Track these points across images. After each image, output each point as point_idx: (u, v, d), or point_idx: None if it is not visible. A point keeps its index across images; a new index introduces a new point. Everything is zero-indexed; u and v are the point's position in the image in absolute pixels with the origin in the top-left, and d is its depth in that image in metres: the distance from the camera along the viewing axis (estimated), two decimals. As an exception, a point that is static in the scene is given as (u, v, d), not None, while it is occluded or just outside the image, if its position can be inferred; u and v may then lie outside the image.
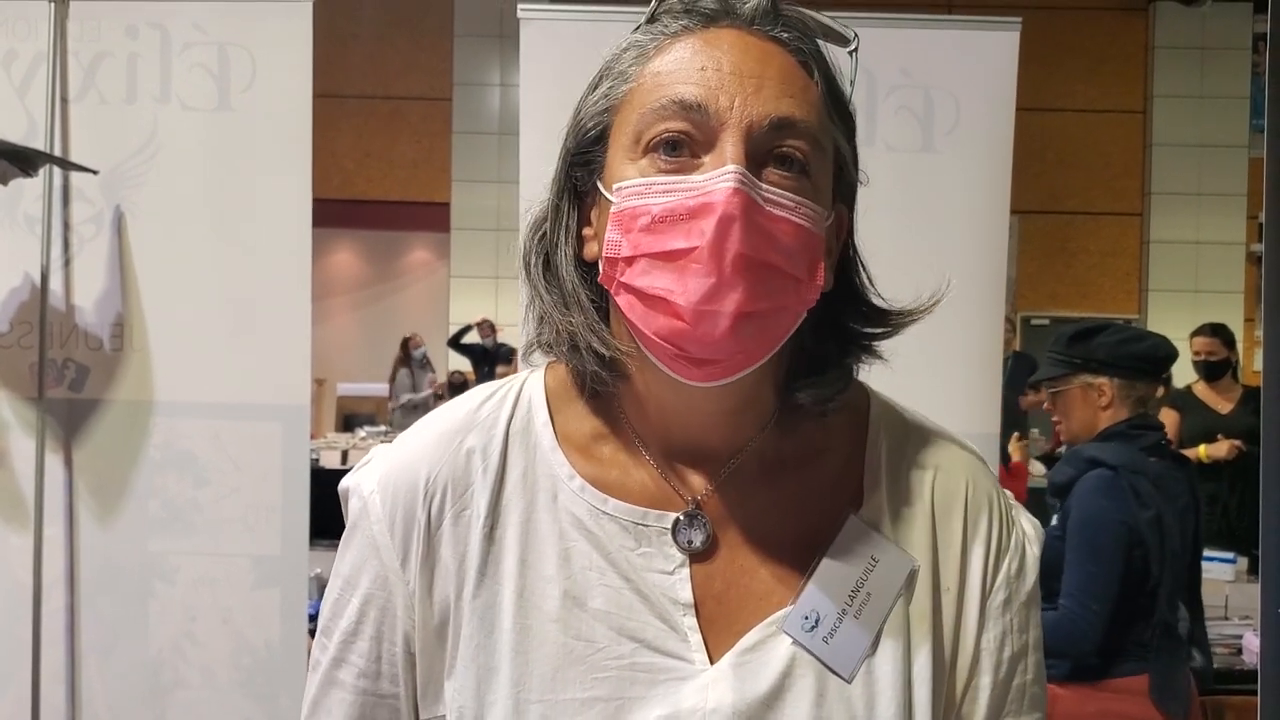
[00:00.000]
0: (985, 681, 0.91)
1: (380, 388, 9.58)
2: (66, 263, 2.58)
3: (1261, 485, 1.22)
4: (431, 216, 9.97)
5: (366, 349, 11.00)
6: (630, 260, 0.83)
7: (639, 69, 0.86)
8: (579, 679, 0.86)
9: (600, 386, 0.91)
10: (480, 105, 9.92)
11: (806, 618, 0.87)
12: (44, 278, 2.55)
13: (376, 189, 10.11)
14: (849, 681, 0.86)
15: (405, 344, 9.62)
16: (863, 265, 0.95)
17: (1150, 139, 9.50)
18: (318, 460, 6.02)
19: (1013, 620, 0.93)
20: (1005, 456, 4.54)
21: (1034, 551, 0.96)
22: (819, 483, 0.92)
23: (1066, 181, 9.38)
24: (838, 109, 0.89)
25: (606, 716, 0.85)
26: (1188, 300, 9.11)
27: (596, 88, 0.89)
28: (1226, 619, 3.64)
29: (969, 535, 0.92)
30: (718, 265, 0.79)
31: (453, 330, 9.36)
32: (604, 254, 0.84)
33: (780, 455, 0.92)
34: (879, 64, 2.44)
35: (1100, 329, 2.87)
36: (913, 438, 0.96)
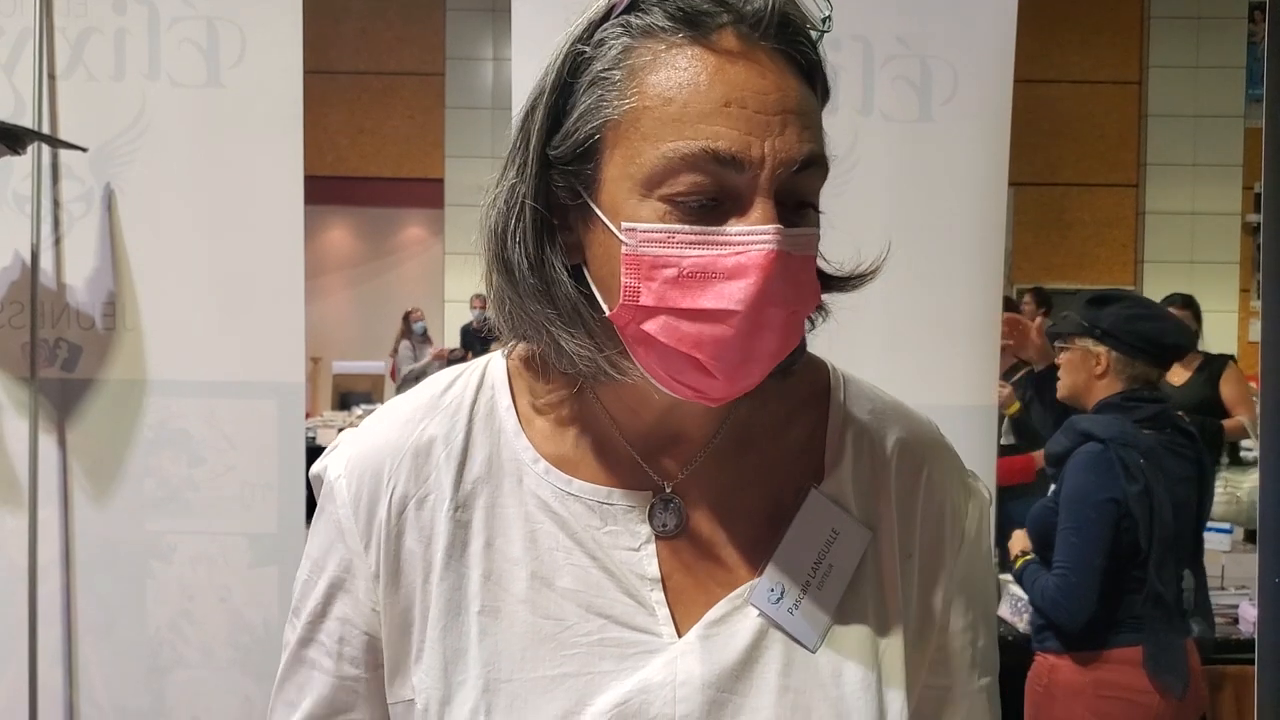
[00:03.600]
0: (950, 646, 0.94)
1: (377, 365, 9.58)
2: (57, 241, 2.56)
3: (1261, 454, 1.22)
4: (425, 192, 9.95)
5: (362, 326, 10.99)
6: (650, 311, 0.80)
7: (636, 82, 0.80)
8: (548, 656, 0.86)
9: (593, 381, 0.89)
10: (473, 80, 9.88)
11: (772, 590, 0.88)
12: (34, 257, 2.53)
13: (369, 165, 10.08)
14: (814, 651, 0.88)
15: (406, 317, 9.65)
16: None
17: (1146, 109, 9.48)
18: (314, 438, 6.02)
19: (973, 586, 0.95)
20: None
21: (987, 519, 0.98)
22: (783, 458, 0.93)
23: (1062, 153, 9.37)
24: (824, 103, 0.87)
25: (576, 692, 0.86)
26: (1183, 271, 9.12)
27: (576, 89, 0.83)
28: (1223, 589, 3.65)
29: (927, 505, 0.94)
30: (757, 330, 0.78)
31: (447, 308, 9.35)
32: (621, 299, 0.80)
33: (747, 432, 0.93)
34: (876, 33, 2.42)
35: (1118, 299, 2.86)
36: (872, 411, 0.97)
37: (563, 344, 0.86)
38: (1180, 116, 9.35)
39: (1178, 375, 4.99)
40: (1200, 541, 2.93)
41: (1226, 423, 4.88)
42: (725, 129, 0.77)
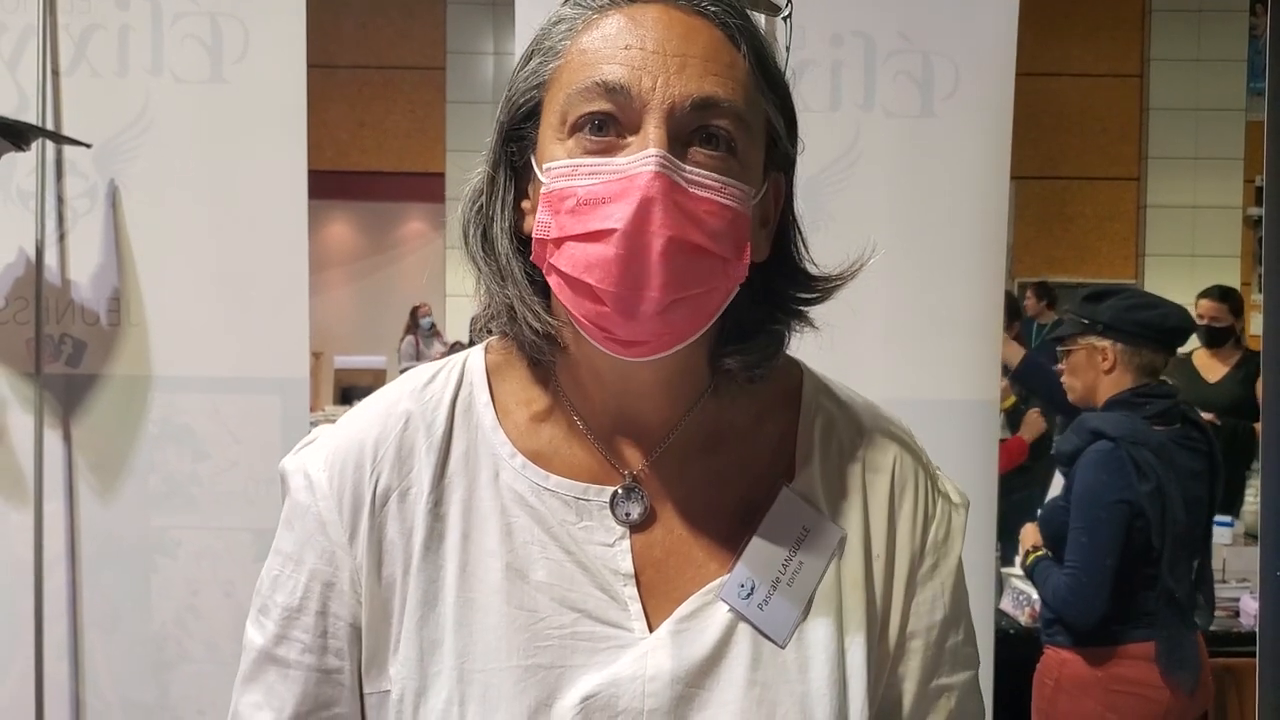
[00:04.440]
0: (917, 645, 0.95)
1: (378, 360, 9.58)
2: (61, 237, 2.56)
3: (1262, 449, 1.22)
4: (426, 187, 9.94)
5: (363, 321, 10.99)
6: (558, 242, 0.84)
7: (568, 44, 0.86)
8: (521, 647, 0.88)
9: (539, 356, 0.92)
10: (474, 74, 9.88)
11: (742, 585, 0.90)
12: (39, 253, 2.53)
13: (370, 160, 10.08)
14: (782, 647, 0.89)
15: (414, 313, 9.65)
16: (799, 233, 0.95)
17: (1147, 103, 9.47)
18: (316, 433, 6.01)
19: (942, 585, 0.96)
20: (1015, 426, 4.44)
21: (959, 520, 0.99)
22: (754, 456, 0.95)
23: (1063, 146, 9.36)
24: (769, 81, 0.88)
25: (548, 684, 0.87)
26: (1184, 265, 9.12)
27: (528, 62, 0.90)
28: (1224, 582, 3.66)
29: (896, 505, 0.96)
30: (637, 249, 0.80)
31: (449, 302, 9.35)
32: (535, 234, 0.86)
33: (717, 428, 0.94)
34: (877, 28, 2.42)
35: (1115, 292, 2.87)
36: (844, 412, 0.98)
37: (497, 299, 0.90)
38: (1181, 110, 9.34)
39: (1213, 371, 4.81)
40: (1209, 531, 2.93)
41: None
42: (619, 66, 0.83)
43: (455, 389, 0.95)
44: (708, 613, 0.89)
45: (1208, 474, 2.78)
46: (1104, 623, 2.65)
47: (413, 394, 0.95)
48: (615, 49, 0.84)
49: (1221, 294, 5.01)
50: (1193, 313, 4.88)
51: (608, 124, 0.83)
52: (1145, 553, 2.64)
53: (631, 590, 0.89)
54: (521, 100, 0.89)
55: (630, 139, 0.83)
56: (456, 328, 9.48)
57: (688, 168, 0.82)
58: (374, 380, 9.14)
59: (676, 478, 0.92)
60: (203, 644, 2.55)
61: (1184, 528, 2.65)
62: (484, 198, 0.92)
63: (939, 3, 2.47)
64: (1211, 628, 3.33)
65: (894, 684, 0.94)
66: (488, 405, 0.94)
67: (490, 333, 0.95)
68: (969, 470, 2.17)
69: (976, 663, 0.99)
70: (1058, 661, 2.74)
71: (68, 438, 2.57)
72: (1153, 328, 2.77)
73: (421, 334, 9.61)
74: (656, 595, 0.90)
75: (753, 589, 0.90)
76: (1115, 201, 9.57)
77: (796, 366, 1.00)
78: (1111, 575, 2.62)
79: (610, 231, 0.80)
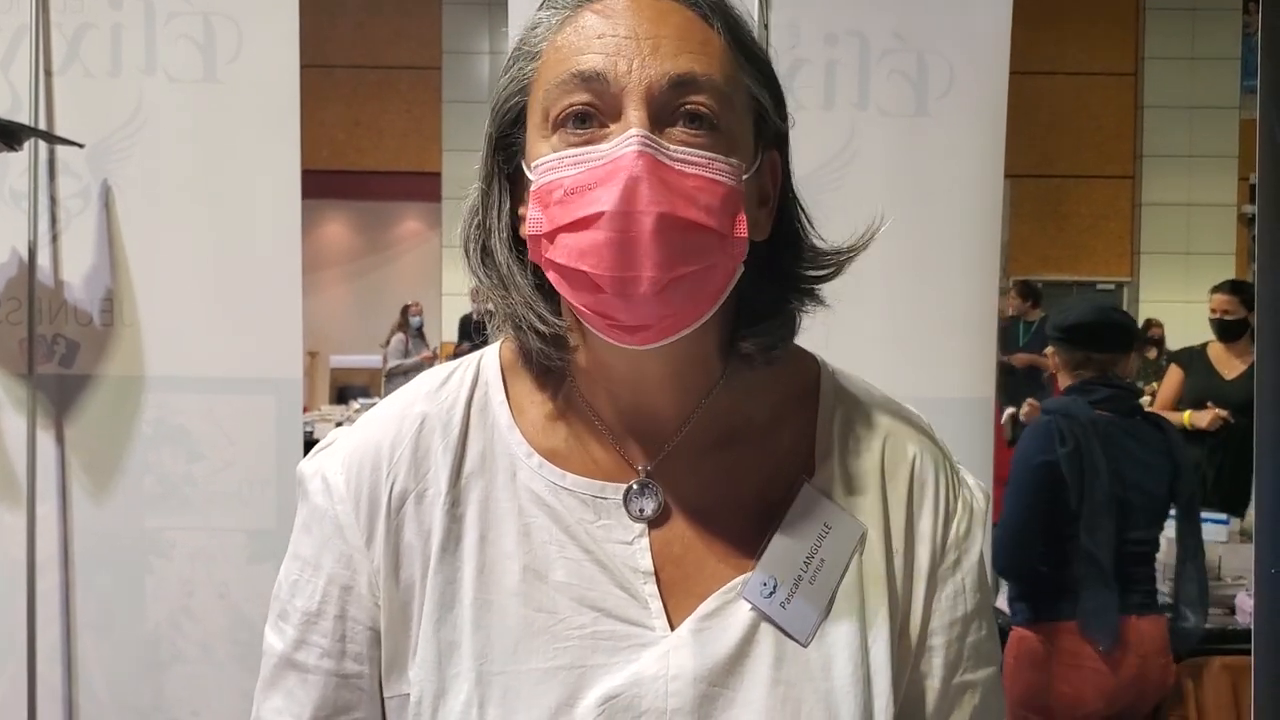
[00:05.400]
0: (939, 641, 0.94)
1: (374, 359, 9.58)
2: (54, 238, 2.55)
3: (1256, 444, 1.21)
4: (422, 186, 9.95)
5: (359, 321, 10.98)
6: (550, 236, 0.83)
7: (544, 45, 0.87)
8: (541, 649, 0.87)
9: (548, 362, 0.91)
10: (470, 73, 9.88)
11: (764, 584, 0.89)
12: (31, 253, 2.53)
13: (366, 159, 10.08)
14: (805, 646, 0.88)
15: (405, 311, 9.63)
16: (802, 209, 0.94)
17: (1142, 101, 9.49)
18: (312, 433, 6.02)
19: (964, 580, 0.95)
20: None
21: (980, 515, 0.98)
22: (772, 452, 0.93)
23: (1058, 145, 9.38)
24: (748, 57, 0.88)
25: (569, 685, 0.86)
26: (1179, 262, 9.14)
27: (510, 69, 0.89)
28: (1220, 579, 3.67)
29: (917, 500, 0.95)
30: (628, 229, 0.79)
31: (445, 301, 9.35)
32: (529, 232, 0.85)
33: (732, 424, 0.93)
34: (872, 28, 2.42)
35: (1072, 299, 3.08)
36: (863, 407, 0.97)
37: (500, 309, 0.89)
38: (1176, 108, 9.36)
39: (1230, 367, 4.71)
40: (1193, 532, 2.99)
41: None
42: (595, 54, 0.83)
43: (471, 388, 0.94)
44: (729, 611, 0.88)
45: (1167, 471, 2.90)
46: (1042, 596, 2.81)
47: (428, 395, 0.94)
48: (589, 40, 0.84)
49: (1233, 287, 4.88)
50: (1206, 308, 4.88)
51: (589, 116, 0.83)
52: (1066, 517, 2.78)
53: (652, 588, 0.88)
54: (506, 107, 0.89)
55: (612, 127, 0.82)
56: (453, 326, 9.47)
57: (672, 146, 0.81)
58: (370, 380, 9.14)
59: (691, 473, 0.91)
60: (197, 645, 2.55)
61: (1105, 496, 2.77)
62: (480, 212, 0.92)
63: (933, 2, 2.47)
64: (1207, 625, 3.36)
65: (916, 681, 0.93)
66: (503, 404, 0.93)
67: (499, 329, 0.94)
68: (965, 468, 2.18)
69: (999, 658, 0.98)
70: (1017, 638, 2.92)
71: (61, 439, 2.56)
72: (1053, 327, 3.04)
73: (411, 332, 9.59)
74: (677, 593, 0.89)
75: (775, 587, 0.89)
76: (1110, 199, 9.59)
77: (814, 361, 0.98)
78: (1035, 532, 2.78)
79: (599, 215, 0.79)
